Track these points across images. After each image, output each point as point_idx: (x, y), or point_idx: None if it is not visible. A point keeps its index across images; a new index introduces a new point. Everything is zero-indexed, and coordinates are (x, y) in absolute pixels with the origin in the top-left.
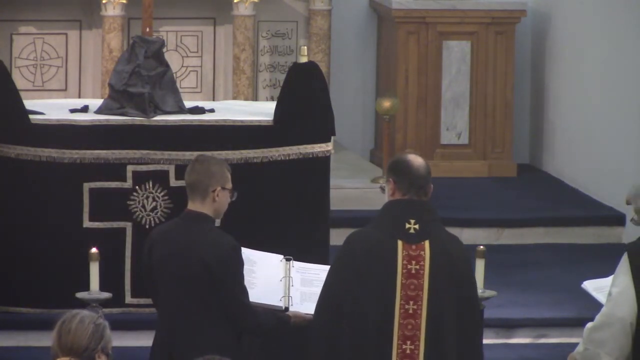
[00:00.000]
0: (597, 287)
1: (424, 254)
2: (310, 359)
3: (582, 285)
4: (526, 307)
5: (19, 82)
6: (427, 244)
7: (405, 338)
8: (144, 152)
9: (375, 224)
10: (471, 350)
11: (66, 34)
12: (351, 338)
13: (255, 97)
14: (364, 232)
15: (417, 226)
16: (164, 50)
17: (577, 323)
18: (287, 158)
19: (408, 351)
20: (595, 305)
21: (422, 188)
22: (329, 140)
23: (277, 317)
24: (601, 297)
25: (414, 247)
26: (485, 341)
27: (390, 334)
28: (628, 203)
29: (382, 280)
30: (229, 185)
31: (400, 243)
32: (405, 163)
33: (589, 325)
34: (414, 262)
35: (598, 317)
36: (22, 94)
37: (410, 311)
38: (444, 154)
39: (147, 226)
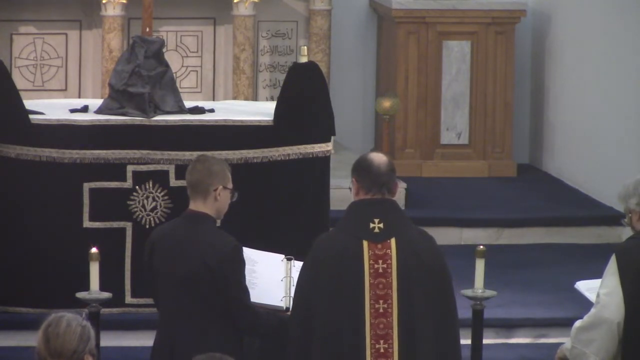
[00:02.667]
0: (589, 288)
1: (390, 252)
2: None
3: (575, 286)
4: (526, 307)
5: (19, 82)
6: (393, 242)
7: (378, 337)
8: (144, 152)
9: (340, 226)
10: (449, 345)
11: (66, 34)
12: (325, 341)
13: (255, 97)
14: (329, 235)
15: (381, 225)
16: (164, 50)
17: None
18: (287, 158)
19: (382, 350)
20: (592, 306)
21: (384, 186)
22: (329, 140)
23: (278, 317)
24: (593, 297)
25: (379, 246)
26: (485, 341)
27: (362, 334)
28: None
29: (351, 282)
30: (230, 185)
31: (365, 243)
32: (366, 162)
33: (577, 324)
34: (380, 261)
35: (586, 318)
36: (22, 94)
37: (381, 310)
38: (444, 154)
39: (147, 226)
